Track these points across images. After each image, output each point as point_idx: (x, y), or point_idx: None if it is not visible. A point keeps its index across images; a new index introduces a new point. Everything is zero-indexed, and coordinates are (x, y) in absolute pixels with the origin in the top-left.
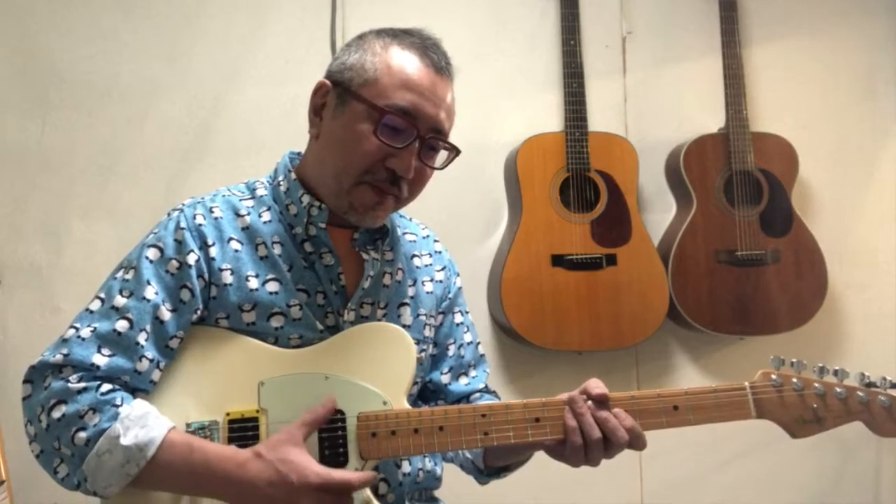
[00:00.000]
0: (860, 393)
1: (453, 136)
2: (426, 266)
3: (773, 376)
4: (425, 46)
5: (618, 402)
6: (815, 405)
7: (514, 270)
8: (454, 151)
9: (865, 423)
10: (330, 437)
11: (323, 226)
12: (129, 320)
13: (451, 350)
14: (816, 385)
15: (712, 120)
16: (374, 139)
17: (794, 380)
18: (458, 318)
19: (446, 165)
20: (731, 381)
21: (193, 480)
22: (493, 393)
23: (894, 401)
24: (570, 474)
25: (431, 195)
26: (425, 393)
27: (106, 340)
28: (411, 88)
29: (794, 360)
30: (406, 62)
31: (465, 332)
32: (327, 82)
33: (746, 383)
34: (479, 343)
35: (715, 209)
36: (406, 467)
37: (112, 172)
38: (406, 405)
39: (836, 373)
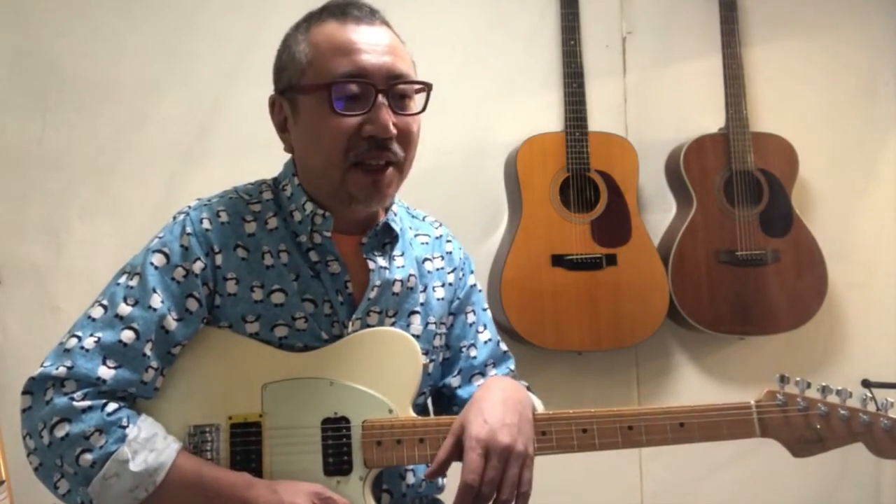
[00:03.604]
0: (863, 415)
1: (456, 136)
2: (437, 270)
3: (778, 395)
4: (342, 8)
5: (625, 417)
6: (818, 426)
7: (514, 270)
8: (426, 87)
9: (866, 444)
10: (334, 445)
11: (328, 234)
12: (135, 330)
13: (465, 352)
14: (821, 406)
15: (712, 120)
16: (336, 117)
17: (799, 399)
18: (471, 318)
19: (426, 105)
20: (731, 382)
21: (202, 503)
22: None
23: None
24: (571, 474)
25: (432, 195)
26: (441, 400)
27: (111, 351)
28: (345, 51)
29: (797, 378)
30: (329, 32)
31: (480, 332)
32: (276, 95)
33: (752, 402)
34: (499, 340)
35: (715, 209)
36: (410, 478)
37: (112, 172)
38: (412, 413)
39: (838, 393)
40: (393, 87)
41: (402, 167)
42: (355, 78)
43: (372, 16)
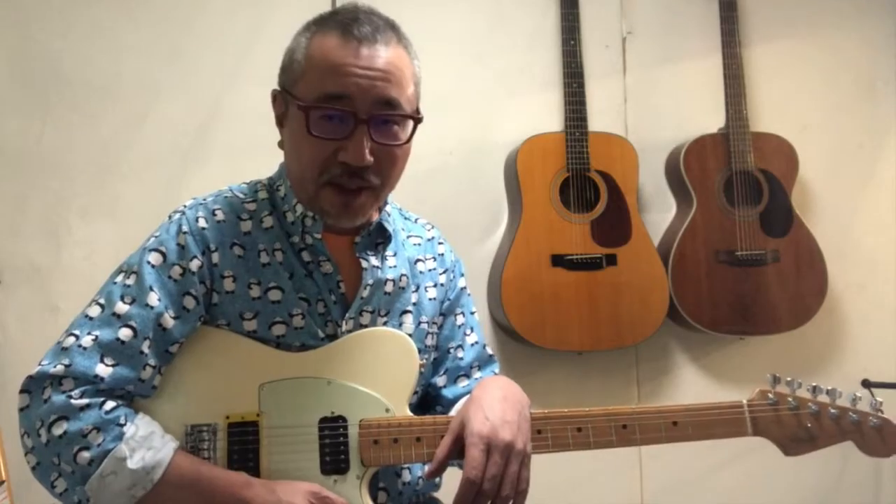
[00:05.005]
0: (852, 414)
1: (456, 136)
2: (430, 271)
3: (770, 395)
4: (348, 22)
5: (619, 416)
6: (809, 424)
7: (514, 270)
8: (414, 120)
9: (856, 443)
10: (332, 444)
11: (318, 236)
12: (133, 328)
13: (452, 353)
14: (811, 404)
15: (712, 120)
16: (311, 139)
17: (790, 399)
18: (460, 320)
19: (412, 136)
20: (731, 382)
21: (199, 501)
22: None
23: (885, 422)
24: (571, 474)
25: (432, 195)
26: (426, 399)
27: (109, 349)
28: (336, 71)
29: (788, 378)
30: (327, 46)
31: (468, 334)
32: (278, 90)
33: (744, 401)
34: (485, 344)
35: (715, 209)
36: (406, 476)
37: (112, 172)
38: (408, 412)
39: (828, 392)
40: (378, 115)
41: (377, 192)
42: (336, 102)
43: (374, 36)
